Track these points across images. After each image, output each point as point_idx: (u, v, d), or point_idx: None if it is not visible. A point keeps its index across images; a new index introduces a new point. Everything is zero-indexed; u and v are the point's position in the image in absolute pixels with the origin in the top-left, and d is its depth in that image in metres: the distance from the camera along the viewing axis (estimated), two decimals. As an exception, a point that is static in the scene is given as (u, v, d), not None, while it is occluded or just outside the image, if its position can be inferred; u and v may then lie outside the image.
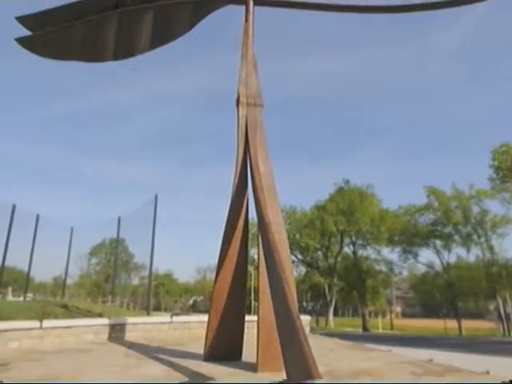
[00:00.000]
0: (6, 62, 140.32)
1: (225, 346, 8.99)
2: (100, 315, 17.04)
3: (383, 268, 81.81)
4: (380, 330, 70.05)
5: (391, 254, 79.61)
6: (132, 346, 11.78)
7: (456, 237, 70.65)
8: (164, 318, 16.18)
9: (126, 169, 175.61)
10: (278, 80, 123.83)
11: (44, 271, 32.18)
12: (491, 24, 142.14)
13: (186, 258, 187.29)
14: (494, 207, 79.49)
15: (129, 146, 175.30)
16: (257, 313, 8.36)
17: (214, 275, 9.48)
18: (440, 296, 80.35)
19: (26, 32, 11.29)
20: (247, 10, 11.15)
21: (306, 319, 16.68)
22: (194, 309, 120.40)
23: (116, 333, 13.27)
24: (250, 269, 56.28)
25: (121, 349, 11.13)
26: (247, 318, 9.46)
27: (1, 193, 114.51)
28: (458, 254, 73.02)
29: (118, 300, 33.10)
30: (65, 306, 18.58)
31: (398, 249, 77.35)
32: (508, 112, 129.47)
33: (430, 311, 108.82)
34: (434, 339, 43.68)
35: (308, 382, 4.95)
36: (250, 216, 9.41)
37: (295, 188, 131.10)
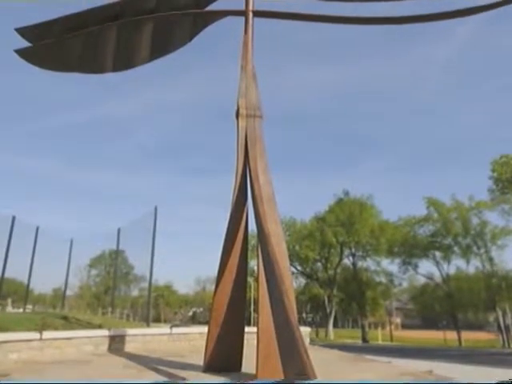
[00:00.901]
0: (5, 73, 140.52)
1: (224, 357, 9.00)
2: (100, 327, 17.02)
3: (383, 279, 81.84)
4: (380, 342, 69.82)
5: (391, 265, 79.48)
6: (132, 357, 11.78)
7: (456, 248, 70.60)
8: (164, 329, 16.18)
9: (126, 180, 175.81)
10: (278, 91, 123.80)
11: (44, 283, 32.19)
12: (489, 34, 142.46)
13: (185, 270, 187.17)
14: (494, 219, 79.34)
15: (129, 158, 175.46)
16: (256, 324, 8.37)
17: (213, 286, 9.48)
18: (440, 307, 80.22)
19: (25, 43, 11.34)
20: (246, 22, 11.16)
21: (305, 330, 16.68)
22: (194, 320, 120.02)
23: (116, 344, 13.27)
24: (250, 280, 56.30)
25: (121, 360, 11.13)
26: (247, 329, 9.47)
27: (0, 204, 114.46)
28: (457, 265, 73.01)
29: (117, 311, 33.07)
30: (65, 318, 18.54)
31: (397, 260, 77.31)
32: (507, 123, 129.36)
33: (429, 323, 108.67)
34: (434, 350, 43.59)
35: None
36: (249, 227, 9.43)
37: (295, 199, 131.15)
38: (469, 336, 70.31)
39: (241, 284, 9.11)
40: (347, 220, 77.07)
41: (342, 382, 7.11)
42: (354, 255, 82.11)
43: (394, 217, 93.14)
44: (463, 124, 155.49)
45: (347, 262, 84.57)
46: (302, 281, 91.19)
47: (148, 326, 21.31)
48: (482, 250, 67.51)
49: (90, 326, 17.78)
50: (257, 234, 8.10)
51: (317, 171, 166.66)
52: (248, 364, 8.66)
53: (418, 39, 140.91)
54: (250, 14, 11.23)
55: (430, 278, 77.90)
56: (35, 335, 11.34)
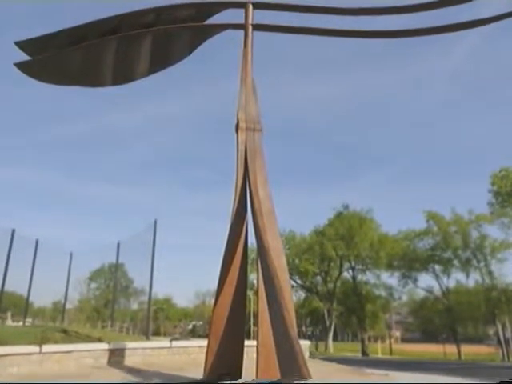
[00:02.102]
0: (5, 86, 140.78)
1: (224, 371, 9.00)
2: (99, 340, 16.98)
3: (382, 293, 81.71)
4: (379, 355, 69.65)
5: (390, 278, 79.38)
6: (131, 370, 11.79)
7: (455, 262, 70.60)
8: (163, 342, 16.17)
9: (126, 192, 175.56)
10: (278, 105, 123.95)
11: (43, 296, 32.15)
12: (490, 47, 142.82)
13: (185, 283, 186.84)
14: (494, 232, 79.34)
15: (129, 170, 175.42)
16: (256, 337, 8.39)
17: (213, 300, 9.49)
18: (439, 321, 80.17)
19: (25, 57, 11.40)
20: (246, 36, 11.18)
21: (305, 344, 16.69)
22: (194, 334, 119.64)
23: (116, 357, 13.27)
24: (250, 293, 56.18)
25: (120, 374, 11.13)
26: (247, 342, 9.47)
27: (0, 216, 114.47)
28: (457, 278, 72.98)
29: (117, 325, 33.09)
30: (64, 331, 18.51)
31: (397, 274, 77.24)
32: (507, 136, 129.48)
33: (429, 336, 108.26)
34: (434, 364, 43.46)
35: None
36: (249, 241, 9.45)
37: (294, 213, 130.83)
38: (469, 349, 70.12)
39: (240, 297, 9.12)
40: (347, 233, 77.02)
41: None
42: (353, 269, 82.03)
43: (393, 230, 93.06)
44: (463, 137, 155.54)
45: (347, 275, 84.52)
46: (302, 294, 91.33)
47: (148, 339, 21.26)
48: (482, 264, 67.51)
49: (89, 339, 17.74)
50: (256, 247, 8.11)
51: (316, 185, 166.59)
52: (248, 377, 8.66)
53: (418, 52, 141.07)
54: (250, 28, 11.25)
55: (429, 291, 77.85)
56: (35, 349, 11.34)
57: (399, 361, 50.05)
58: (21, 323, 31.64)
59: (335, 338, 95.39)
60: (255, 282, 16.90)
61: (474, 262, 68.13)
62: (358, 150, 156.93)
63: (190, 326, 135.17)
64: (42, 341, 13.45)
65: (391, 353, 73.46)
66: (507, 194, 57.28)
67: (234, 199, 9.38)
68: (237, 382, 7.60)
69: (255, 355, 8.16)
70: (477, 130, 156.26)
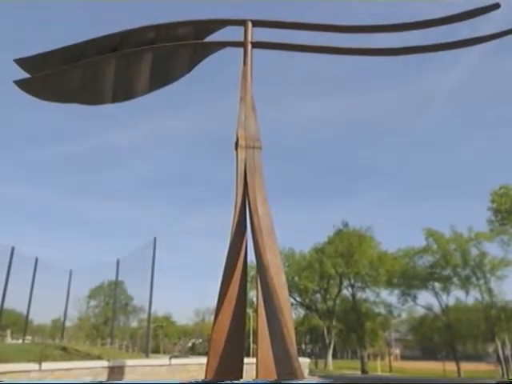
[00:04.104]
0: (4, 103, 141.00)
1: (223, 389, 8.99)
2: (99, 357, 16.99)
3: (382, 310, 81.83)
4: (379, 373, 69.45)
5: (390, 296, 79.39)
6: (131, 388, 11.76)
7: (455, 279, 70.73)
8: (163, 360, 16.17)
9: (125, 210, 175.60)
10: (278, 123, 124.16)
11: (43, 314, 32.16)
12: (489, 65, 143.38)
13: (184, 301, 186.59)
14: (493, 250, 79.30)
15: (128, 188, 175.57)
16: (255, 355, 8.38)
17: (212, 318, 9.50)
18: (439, 338, 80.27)
19: (24, 74, 11.44)
20: (245, 54, 11.17)
21: (304, 361, 16.69)
22: (193, 351, 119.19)
23: (115, 375, 13.24)
24: (249, 311, 56.15)
25: (119, 391, 11.11)
26: (246, 360, 9.47)
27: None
28: (456, 296, 73.12)
29: (116, 342, 33.03)
30: (64, 349, 18.51)
31: (396, 291, 77.40)
32: (507, 154, 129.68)
33: (428, 353, 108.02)
34: (433, 381, 43.36)
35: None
36: (249, 258, 9.46)
37: (294, 230, 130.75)
38: (468, 367, 70.04)
39: (240, 315, 9.11)
40: (346, 251, 77.06)
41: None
42: (353, 286, 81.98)
43: (393, 247, 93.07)
44: (463, 154, 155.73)
45: (346, 292, 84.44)
46: (301, 312, 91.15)
47: (147, 356, 21.28)
48: (481, 281, 67.66)
49: (89, 356, 17.74)
50: (256, 265, 8.11)
51: (316, 202, 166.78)
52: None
53: (418, 69, 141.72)
54: (249, 46, 11.26)
55: (429, 309, 77.96)
56: (34, 366, 11.33)
57: (399, 378, 49.90)
58: (20, 341, 31.66)
59: (335, 356, 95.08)
60: (254, 299, 16.90)
61: (474, 279, 68.33)
62: (358, 167, 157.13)
63: (190, 344, 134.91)
64: (41, 358, 13.46)
65: (391, 370, 73.37)
66: (507, 211, 57.29)
67: (234, 217, 9.38)
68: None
69: (254, 373, 8.16)
70: (476, 148, 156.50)
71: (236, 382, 7.26)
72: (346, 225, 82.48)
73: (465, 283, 68.86)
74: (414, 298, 76.73)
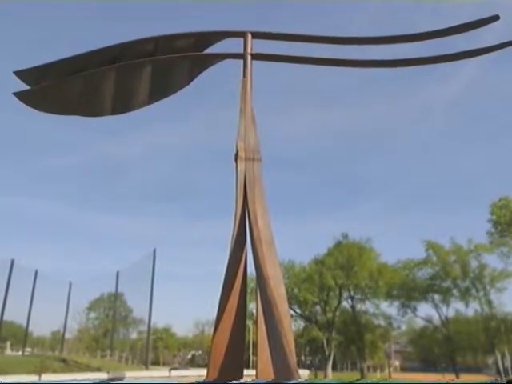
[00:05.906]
0: (3, 115, 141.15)
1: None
2: (99, 369, 16.95)
3: (382, 322, 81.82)
4: (379, 385, 69.25)
5: (390, 308, 79.32)
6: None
7: (454, 291, 70.64)
8: (162, 372, 16.15)
9: (125, 222, 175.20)
10: (276, 135, 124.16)
11: (42, 326, 32.12)
12: (489, 75, 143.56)
13: (184, 313, 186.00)
14: (493, 261, 79.22)
15: (128, 200, 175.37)
16: (255, 367, 8.36)
17: (212, 329, 9.46)
18: (439, 350, 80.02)
19: (24, 86, 11.44)
20: (245, 66, 11.15)
21: (304, 373, 16.64)
22: (193, 363, 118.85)
23: (114, 387, 13.19)
24: (249, 323, 56.02)
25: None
26: (246, 372, 9.44)
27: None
28: (456, 308, 73.08)
29: (116, 354, 32.96)
30: (63, 361, 18.44)
31: (396, 303, 77.41)
32: (507, 165, 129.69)
33: (428, 365, 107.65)
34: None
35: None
36: (248, 270, 9.44)
37: (294, 242, 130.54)
38: (468, 379, 69.70)
39: (240, 327, 9.09)
40: (346, 263, 77.01)
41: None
42: (352, 298, 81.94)
43: (392, 259, 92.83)
44: (462, 165, 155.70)
45: (346, 304, 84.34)
46: (301, 324, 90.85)
47: (147, 368, 21.22)
48: (481, 293, 67.63)
49: (88, 368, 17.68)
50: (256, 276, 8.12)
51: (315, 213, 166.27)
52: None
53: (417, 80, 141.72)
54: (249, 57, 11.26)
55: (428, 320, 77.95)
56: (34, 378, 11.29)
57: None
58: (20, 352, 31.60)
59: (334, 368, 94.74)
60: (254, 311, 16.86)
61: (473, 291, 68.27)
62: (358, 178, 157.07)
63: (189, 356, 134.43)
64: (41, 370, 13.41)
65: (390, 382, 73.04)
66: (506, 223, 57.30)
67: (234, 228, 9.37)
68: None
69: (254, 385, 8.14)
70: (476, 159, 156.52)
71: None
72: (345, 236, 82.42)
73: (464, 295, 68.85)
74: (414, 310, 76.85)
